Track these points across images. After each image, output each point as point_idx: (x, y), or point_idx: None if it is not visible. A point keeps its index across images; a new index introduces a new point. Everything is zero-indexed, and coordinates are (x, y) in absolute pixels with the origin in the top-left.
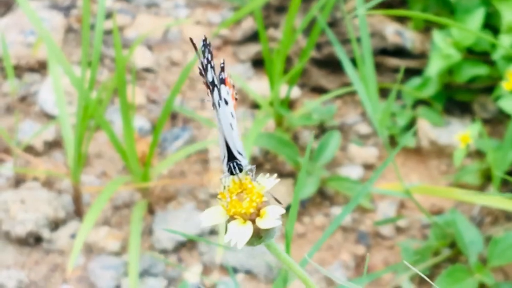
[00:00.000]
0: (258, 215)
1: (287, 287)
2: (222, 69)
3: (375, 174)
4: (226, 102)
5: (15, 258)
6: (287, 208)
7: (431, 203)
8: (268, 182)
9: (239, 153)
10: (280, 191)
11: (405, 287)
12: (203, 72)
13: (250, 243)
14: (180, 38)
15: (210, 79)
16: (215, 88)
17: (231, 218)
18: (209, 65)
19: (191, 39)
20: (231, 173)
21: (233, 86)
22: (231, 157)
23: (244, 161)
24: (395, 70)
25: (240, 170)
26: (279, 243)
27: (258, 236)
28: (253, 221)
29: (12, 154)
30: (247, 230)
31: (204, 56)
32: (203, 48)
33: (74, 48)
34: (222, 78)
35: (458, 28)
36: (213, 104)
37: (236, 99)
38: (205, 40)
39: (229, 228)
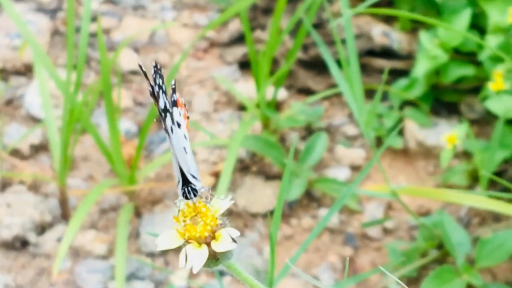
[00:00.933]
0: (213, 238)
1: None
2: (174, 90)
3: (360, 174)
4: (179, 125)
5: (1, 262)
6: (272, 211)
7: (419, 204)
8: (223, 204)
9: (193, 176)
10: (267, 193)
11: None
12: (154, 98)
13: (207, 265)
14: (166, 41)
15: (162, 106)
16: (167, 114)
17: (187, 242)
18: (160, 91)
19: (140, 66)
20: (186, 198)
21: (185, 105)
22: (185, 181)
23: (198, 184)
24: (382, 71)
25: (195, 195)
26: (265, 245)
27: (215, 258)
28: (209, 244)
29: None
30: (203, 253)
31: (155, 83)
32: (154, 75)
33: (60, 51)
34: (174, 100)
35: (445, 29)
36: (166, 130)
37: (188, 117)
38: (155, 66)
39: (185, 253)
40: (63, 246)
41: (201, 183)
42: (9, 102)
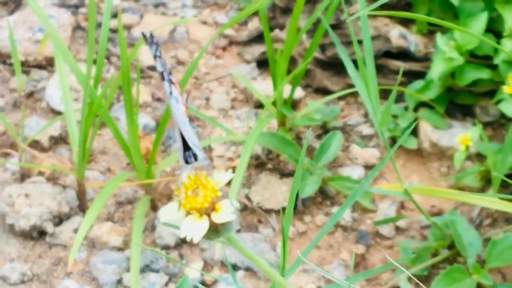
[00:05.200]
0: (214, 209)
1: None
2: (170, 72)
3: (373, 171)
4: (177, 100)
5: (18, 251)
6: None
7: (431, 205)
8: (223, 177)
9: (194, 145)
10: (281, 190)
11: (402, 286)
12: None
13: (208, 237)
14: (186, 38)
15: (160, 69)
16: (165, 80)
17: (188, 213)
18: (157, 58)
19: (143, 34)
20: (186, 162)
21: (182, 95)
22: (186, 148)
23: (200, 153)
24: (399, 72)
25: (196, 159)
26: (278, 241)
27: (216, 230)
28: (209, 216)
29: (18, 149)
30: (203, 224)
31: (151, 47)
32: (150, 45)
33: (81, 46)
34: (171, 79)
35: (461, 32)
36: (167, 93)
37: (186, 107)
38: (151, 36)
39: (185, 223)
40: (79, 236)
41: (203, 153)
42: (30, 95)
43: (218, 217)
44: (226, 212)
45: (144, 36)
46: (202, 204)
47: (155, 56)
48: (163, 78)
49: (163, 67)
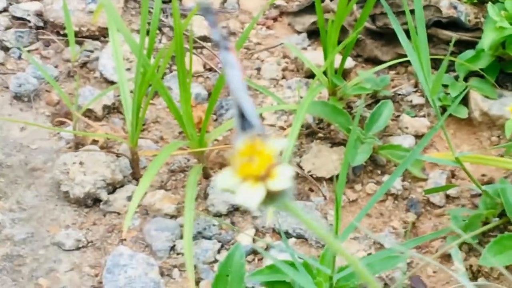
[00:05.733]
0: (269, 176)
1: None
2: (226, 38)
3: (424, 139)
4: (234, 67)
5: (73, 218)
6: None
7: (482, 173)
8: (278, 144)
9: (250, 112)
10: (332, 159)
11: (453, 254)
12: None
13: (264, 204)
14: (237, 8)
15: (216, 38)
16: (221, 47)
17: (243, 180)
18: (214, 27)
19: (199, 4)
20: (243, 129)
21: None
22: (242, 115)
23: (255, 120)
24: (449, 42)
25: (251, 128)
26: (329, 209)
27: (271, 197)
28: (265, 183)
29: (72, 118)
30: (259, 192)
31: (207, 17)
32: (207, 14)
33: (133, 16)
34: (227, 46)
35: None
36: (222, 60)
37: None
38: (208, 6)
39: (241, 191)
40: (132, 204)
41: (259, 121)
42: (83, 65)
43: (274, 184)
44: (282, 179)
45: (200, 5)
46: (257, 171)
47: (212, 25)
48: (219, 46)
49: (219, 35)
